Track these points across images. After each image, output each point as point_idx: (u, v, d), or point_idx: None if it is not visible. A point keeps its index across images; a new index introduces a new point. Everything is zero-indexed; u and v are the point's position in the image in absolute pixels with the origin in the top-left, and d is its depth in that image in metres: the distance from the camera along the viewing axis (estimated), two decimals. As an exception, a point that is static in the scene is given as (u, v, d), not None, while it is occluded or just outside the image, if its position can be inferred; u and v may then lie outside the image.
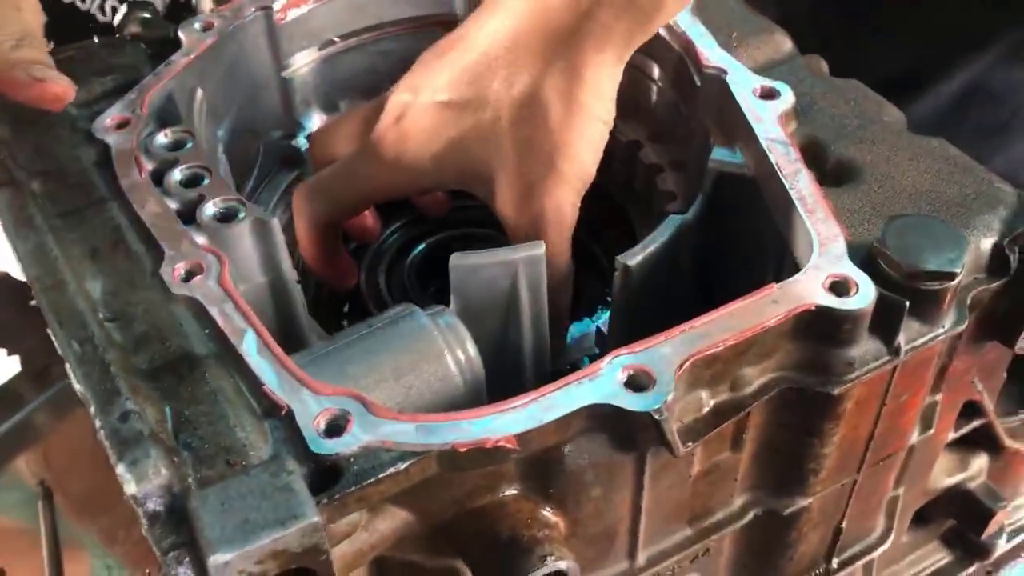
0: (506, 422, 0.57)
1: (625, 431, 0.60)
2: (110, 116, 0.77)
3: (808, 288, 0.64)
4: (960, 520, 0.97)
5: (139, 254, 0.68)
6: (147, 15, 0.90)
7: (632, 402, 0.58)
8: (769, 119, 0.75)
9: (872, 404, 0.69)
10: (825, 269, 0.65)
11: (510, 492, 0.61)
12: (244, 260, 0.70)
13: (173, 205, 0.70)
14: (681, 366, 0.60)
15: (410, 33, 0.96)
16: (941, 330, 0.67)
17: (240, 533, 0.50)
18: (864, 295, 0.63)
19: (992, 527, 0.96)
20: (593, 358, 0.70)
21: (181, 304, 0.64)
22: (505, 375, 0.72)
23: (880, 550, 0.84)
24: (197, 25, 0.85)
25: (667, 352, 0.60)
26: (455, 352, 0.65)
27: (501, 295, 0.70)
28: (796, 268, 0.67)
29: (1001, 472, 0.96)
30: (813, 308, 0.63)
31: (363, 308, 0.89)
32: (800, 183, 0.71)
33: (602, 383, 0.59)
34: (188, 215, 0.70)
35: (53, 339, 0.64)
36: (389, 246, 0.94)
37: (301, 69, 0.94)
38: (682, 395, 0.61)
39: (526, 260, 0.70)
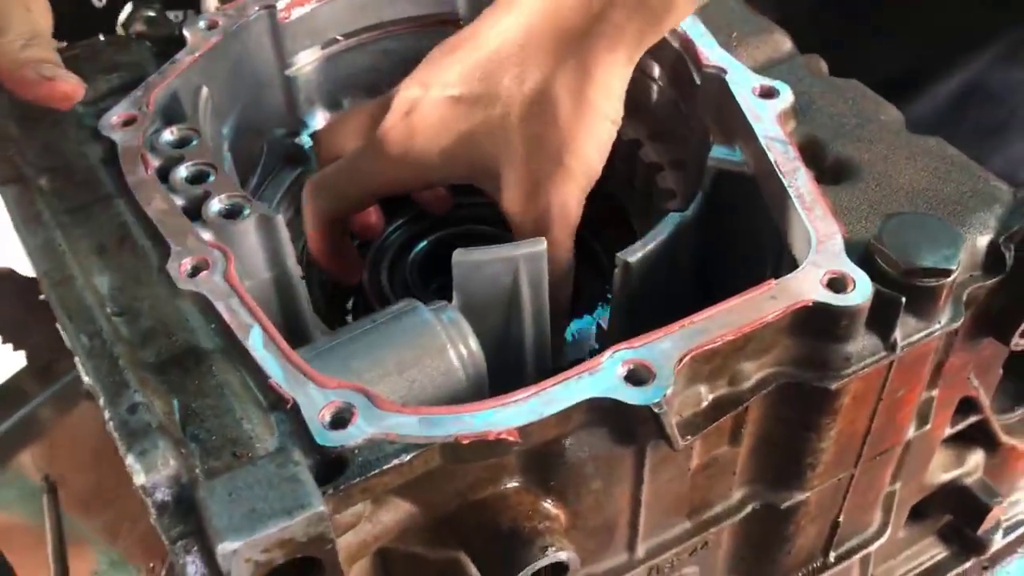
0: (508, 415, 0.58)
1: (625, 424, 0.61)
2: (116, 113, 0.78)
3: (806, 284, 0.65)
4: (956, 515, 0.98)
5: (146, 250, 0.69)
6: (152, 14, 0.91)
7: (632, 396, 0.59)
8: (768, 118, 0.76)
9: (869, 399, 0.70)
10: (823, 266, 0.66)
11: (511, 484, 0.62)
12: (249, 256, 0.71)
13: (179, 201, 0.71)
14: (680, 361, 0.61)
15: (412, 32, 0.97)
16: (937, 326, 0.68)
17: (247, 522, 0.50)
18: (861, 291, 0.64)
19: (988, 522, 0.97)
20: (593, 354, 0.71)
21: (187, 299, 0.65)
22: (507, 370, 0.73)
23: (877, 544, 0.85)
24: (202, 24, 0.86)
25: (667, 347, 0.61)
26: (457, 347, 0.66)
27: (503, 291, 0.71)
28: (794, 265, 0.68)
29: (997, 468, 0.97)
30: (811, 304, 0.64)
31: (366, 304, 0.90)
32: (798, 181, 0.72)
33: (602, 377, 0.60)
34: (194, 211, 0.71)
35: (62, 333, 0.65)
36: (392, 243, 0.95)
37: (304, 67, 0.95)
38: (681, 389, 0.62)
39: (527, 256, 0.71)
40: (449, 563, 0.65)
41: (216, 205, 0.71)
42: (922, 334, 0.68)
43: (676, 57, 0.84)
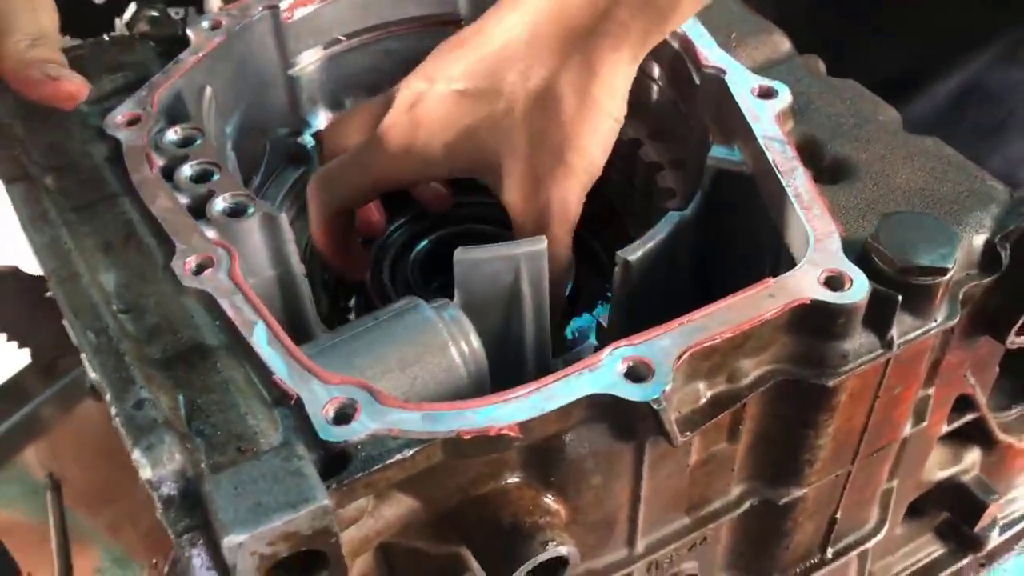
0: (509, 411, 0.59)
1: (624, 420, 0.62)
2: (121, 113, 0.78)
3: (803, 282, 0.65)
4: (953, 513, 0.99)
5: (151, 248, 0.69)
6: (155, 14, 0.92)
7: (631, 392, 0.60)
8: (767, 118, 0.77)
9: (866, 396, 0.71)
10: (820, 264, 0.66)
11: (512, 480, 0.63)
12: (253, 254, 0.72)
13: (183, 200, 0.72)
14: (679, 358, 0.61)
15: (414, 32, 0.98)
16: (933, 324, 0.69)
17: (253, 515, 0.51)
18: (858, 289, 0.65)
19: (985, 520, 0.97)
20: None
21: (192, 296, 0.66)
22: (507, 367, 0.73)
23: (874, 541, 0.85)
24: (205, 24, 0.87)
25: (666, 344, 0.62)
26: (459, 344, 0.67)
27: (504, 289, 0.72)
28: (792, 264, 0.69)
29: (994, 466, 0.98)
30: (808, 302, 0.64)
31: (368, 303, 0.91)
32: (796, 180, 0.73)
33: (602, 374, 0.61)
34: (198, 210, 0.71)
35: (69, 329, 0.66)
36: (393, 242, 0.95)
37: (307, 67, 0.95)
38: (680, 386, 0.63)
39: (528, 255, 0.72)
40: (451, 558, 0.66)
41: (220, 204, 0.71)
42: (918, 332, 0.69)
43: (676, 57, 0.85)
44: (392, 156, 0.79)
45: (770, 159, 0.74)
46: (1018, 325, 0.76)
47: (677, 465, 0.68)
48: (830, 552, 0.83)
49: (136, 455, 0.55)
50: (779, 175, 0.73)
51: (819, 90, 0.82)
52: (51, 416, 1.23)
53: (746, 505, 0.75)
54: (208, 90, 0.84)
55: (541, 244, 0.72)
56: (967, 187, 0.74)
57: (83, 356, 0.63)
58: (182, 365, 0.61)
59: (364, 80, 0.97)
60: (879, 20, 1.27)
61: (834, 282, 0.65)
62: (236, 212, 0.71)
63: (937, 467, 0.94)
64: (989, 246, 0.72)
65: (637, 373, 0.61)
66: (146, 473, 0.55)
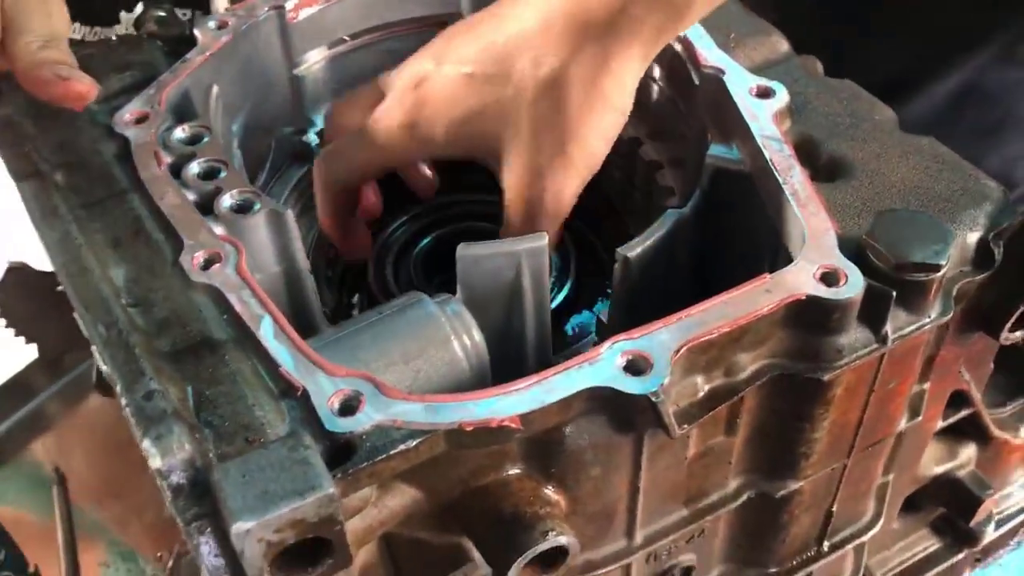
0: (510, 403, 0.60)
1: (623, 413, 0.63)
2: (129, 111, 0.80)
3: (800, 278, 0.67)
4: (949, 508, 1.00)
5: (159, 243, 0.71)
6: (163, 14, 0.93)
7: (630, 385, 0.61)
8: (764, 117, 0.78)
9: (861, 391, 0.72)
10: (816, 260, 0.68)
11: (513, 471, 0.64)
12: (259, 250, 0.73)
13: (191, 197, 0.73)
14: (677, 352, 0.63)
15: (416, 33, 0.98)
16: (927, 320, 0.70)
17: (261, 503, 0.52)
18: (853, 285, 0.66)
19: (980, 515, 0.98)
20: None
21: (200, 291, 0.67)
22: (509, 362, 0.74)
23: (870, 534, 0.86)
24: (212, 24, 0.88)
25: (664, 338, 0.63)
26: (461, 338, 0.68)
27: (505, 284, 0.73)
28: (789, 261, 0.70)
29: (990, 461, 0.99)
30: (804, 297, 0.66)
31: (372, 299, 0.92)
32: (793, 179, 0.74)
33: (602, 367, 0.62)
34: (206, 207, 0.72)
35: (80, 323, 0.67)
36: (396, 240, 0.97)
37: (312, 67, 0.96)
38: (678, 379, 0.64)
39: (529, 251, 0.73)
40: (452, 548, 0.67)
41: (227, 200, 0.72)
42: (912, 327, 0.70)
43: (675, 57, 0.86)
44: (394, 134, 0.79)
45: (768, 158, 0.75)
46: (1012, 321, 0.78)
47: (675, 457, 0.70)
48: (826, 545, 0.85)
49: (146, 445, 0.57)
50: (776, 173, 0.74)
51: (816, 90, 0.84)
52: (57, 411, 1.24)
53: (743, 498, 0.76)
54: (215, 89, 0.85)
55: (542, 241, 0.73)
56: (961, 185, 0.75)
57: (94, 348, 0.64)
58: (191, 358, 0.63)
59: (368, 79, 0.98)
60: (878, 21, 1.28)
61: (830, 278, 0.66)
62: (243, 209, 0.72)
63: (933, 462, 0.95)
64: (983, 243, 0.73)
65: (636, 366, 0.62)
66: (155, 462, 0.56)
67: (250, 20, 0.89)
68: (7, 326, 1.06)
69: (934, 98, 1.29)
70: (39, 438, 1.24)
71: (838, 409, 0.71)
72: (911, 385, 0.76)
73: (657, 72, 0.90)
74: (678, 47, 0.85)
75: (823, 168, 0.78)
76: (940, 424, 0.89)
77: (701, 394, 0.66)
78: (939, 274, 0.68)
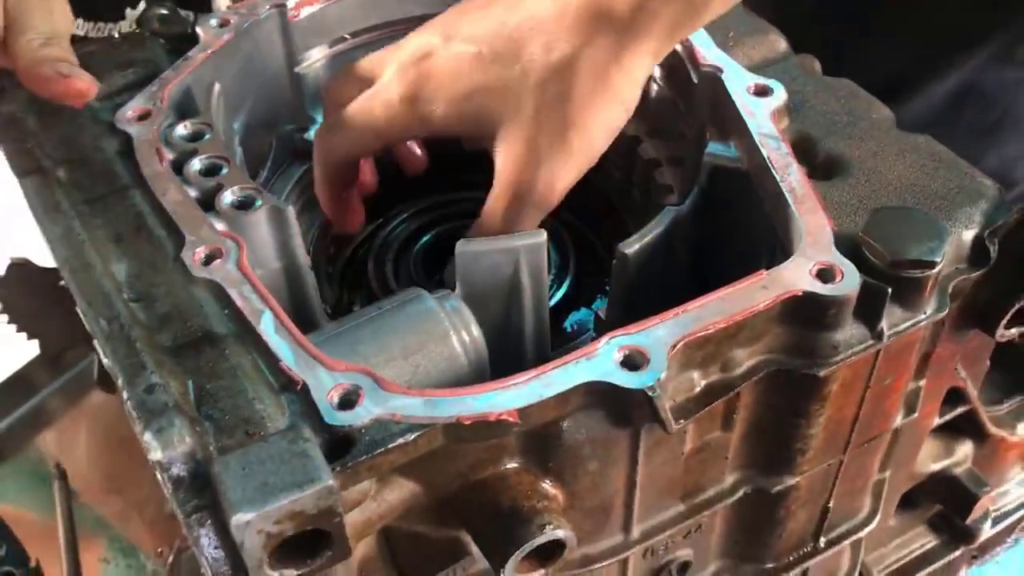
0: (508, 397, 0.60)
1: (620, 408, 0.63)
2: (131, 108, 0.80)
3: (796, 275, 0.67)
4: (946, 505, 1.00)
5: (161, 239, 0.71)
6: (165, 12, 0.94)
7: (627, 380, 0.61)
8: (762, 115, 0.78)
9: (857, 387, 0.72)
10: (812, 257, 0.68)
11: (511, 465, 0.65)
12: (260, 246, 0.74)
13: (193, 193, 0.74)
14: (674, 347, 0.63)
15: (417, 31, 0.99)
16: (923, 316, 0.71)
17: (260, 495, 0.53)
18: (849, 282, 0.67)
19: (977, 512, 0.99)
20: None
21: (201, 286, 0.67)
22: (507, 358, 0.75)
23: (866, 530, 0.87)
24: (214, 22, 0.89)
25: (661, 334, 0.64)
26: (460, 333, 0.69)
27: (504, 280, 0.73)
28: (786, 258, 0.70)
29: (986, 459, 0.99)
30: (800, 294, 0.66)
31: (372, 295, 0.93)
32: (791, 176, 0.74)
33: (599, 362, 0.62)
34: (207, 203, 0.73)
35: (82, 317, 0.68)
36: (396, 236, 0.97)
37: (313, 65, 0.97)
38: (675, 375, 0.64)
39: (527, 247, 0.73)
40: (451, 541, 0.68)
41: (229, 196, 0.73)
42: (908, 324, 0.70)
43: (674, 56, 0.86)
44: (395, 107, 0.78)
45: (765, 155, 0.76)
46: (1007, 318, 0.78)
47: (672, 452, 0.70)
48: (823, 541, 0.85)
49: (147, 437, 0.57)
50: (774, 171, 0.75)
51: (814, 88, 0.84)
52: (59, 407, 1.24)
53: (740, 493, 0.77)
54: (217, 86, 0.85)
55: (541, 237, 0.74)
56: (957, 183, 0.76)
57: (95, 343, 0.65)
58: (192, 352, 0.63)
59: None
60: (877, 21, 1.29)
61: (825, 274, 0.67)
62: (244, 205, 0.73)
63: (929, 459, 0.95)
64: (978, 240, 0.74)
65: (633, 361, 0.62)
66: (156, 455, 0.57)
67: (252, 18, 0.90)
68: (9, 322, 1.06)
69: (933, 98, 1.29)
70: (41, 434, 1.24)
71: (834, 405, 0.72)
72: (907, 382, 0.77)
73: (656, 71, 0.91)
74: (677, 46, 0.86)
75: (820, 166, 0.78)
76: (936, 421, 0.89)
77: (697, 389, 0.67)
78: (934, 271, 0.68)
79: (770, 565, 0.84)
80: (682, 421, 0.65)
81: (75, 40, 0.82)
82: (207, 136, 0.78)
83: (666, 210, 0.79)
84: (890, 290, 0.67)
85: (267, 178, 0.94)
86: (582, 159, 0.75)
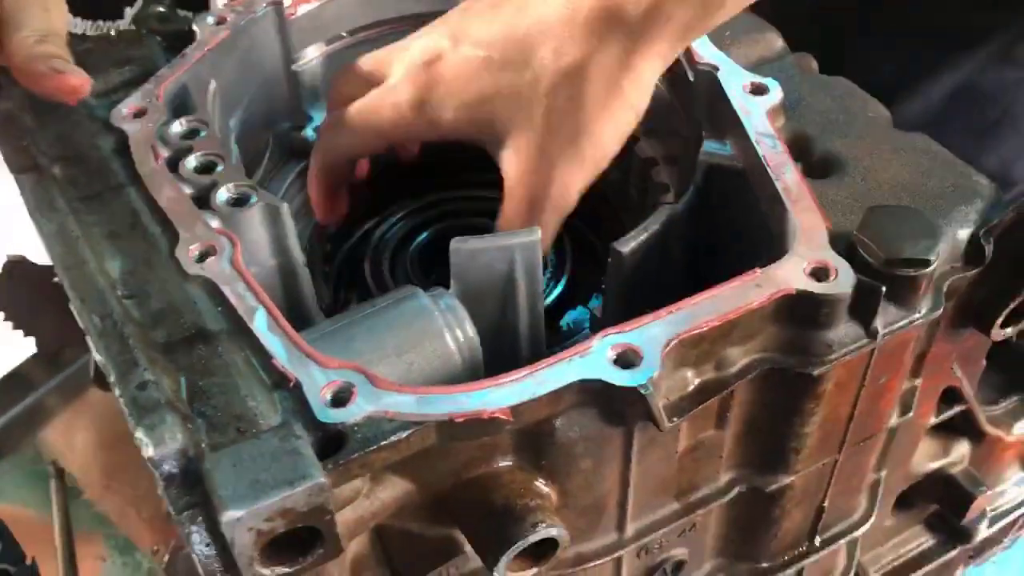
0: (501, 395, 0.60)
1: (614, 405, 0.63)
2: (127, 105, 0.80)
3: (790, 273, 0.67)
4: (942, 505, 1.00)
5: (155, 236, 0.71)
6: (162, 10, 0.94)
7: (620, 378, 0.61)
8: (758, 114, 0.78)
9: (851, 386, 0.72)
10: (807, 255, 0.68)
11: (504, 463, 0.65)
12: (255, 243, 0.74)
13: (188, 190, 0.74)
14: (668, 345, 0.63)
15: (414, 29, 0.99)
16: (918, 315, 0.70)
17: (251, 492, 0.53)
18: (843, 280, 0.67)
19: (973, 512, 0.99)
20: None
21: (195, 283, 0.67)
22: (502, 356, 0.75)
23: (862, 530, 0.87)
24: (211, 19, 0.89)
25: (655, 332, 0.64)
26: (454, 331, 0.68)
27: (499, 279, 0.73)
28: (781, 256, 0.70)
29: (983, 459, 0.99)
30: (794, 292, 0.66)
31: (367, 294, 0.93)
32: (786, 175, 0.74)
33: (592, 360, 0.62)
34: (202, 200, 0.73)
35: (75, 314, 0.68)
36: (393, 235, 0.97)
37: (310, 63, 0.97)
38: (668, 373, 0.64)
39: (522, 246, 0.73)
40: (444, 540, 0.68)
41: (224, 194, 0.73)
42: (902, 323, 0.70)
43: (671, 55, 0.86)
44: (403, 110, 0.78)
45: (761, 154, 0.76)
46: (1002, 317, 0.78)
47: (665, 451, 0.70)
48: (818, 540, 0.85)
49: (139, 434, 0.57)
50: (769, 170, 0.74)
51: (810, 87, 0.84)
52: (56, 405, 1.24)
53: (734, 492, 0.77)
54: (213, 84, 0.85)
55: (535, 235, 0.73)
56: (953, 182, 0.76)
57: (88, 339, 0.65)
58: (185, 349, 0.63)
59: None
60: (877, 20, 1.29)
61: (820, 273, 0.67)
62: (239, 202, 0.73)
63: (926, 459, 0.95)
64: (974, 239, 0.73)
65: (626, 359, 0.62)
66: (148, 451, 0.57)
67: (248, 16, 0.90)
68: (5, 319, 1.06)
69: (932, 97, 1.29)
70: (37, 432, 1.24)
71: (828, 404, 0.72)
72: (902, 381, 0.77)
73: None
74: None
75: (816, 164, 0.78)
76: (933, 420, 0.89)
77: (691, 388, 0.67)
78: (929, 270, 0.68)
79: (765, 564, 0.84)
80: (675, 419, 0.65)
81: (73, 38, 0.83)
82: (203, 134, 0.78)
83: (662, 208, 0.79)
84: (885, 289, 0.67)
85: (263, 176, 0.94)
86: (593, 165, 0.76)
